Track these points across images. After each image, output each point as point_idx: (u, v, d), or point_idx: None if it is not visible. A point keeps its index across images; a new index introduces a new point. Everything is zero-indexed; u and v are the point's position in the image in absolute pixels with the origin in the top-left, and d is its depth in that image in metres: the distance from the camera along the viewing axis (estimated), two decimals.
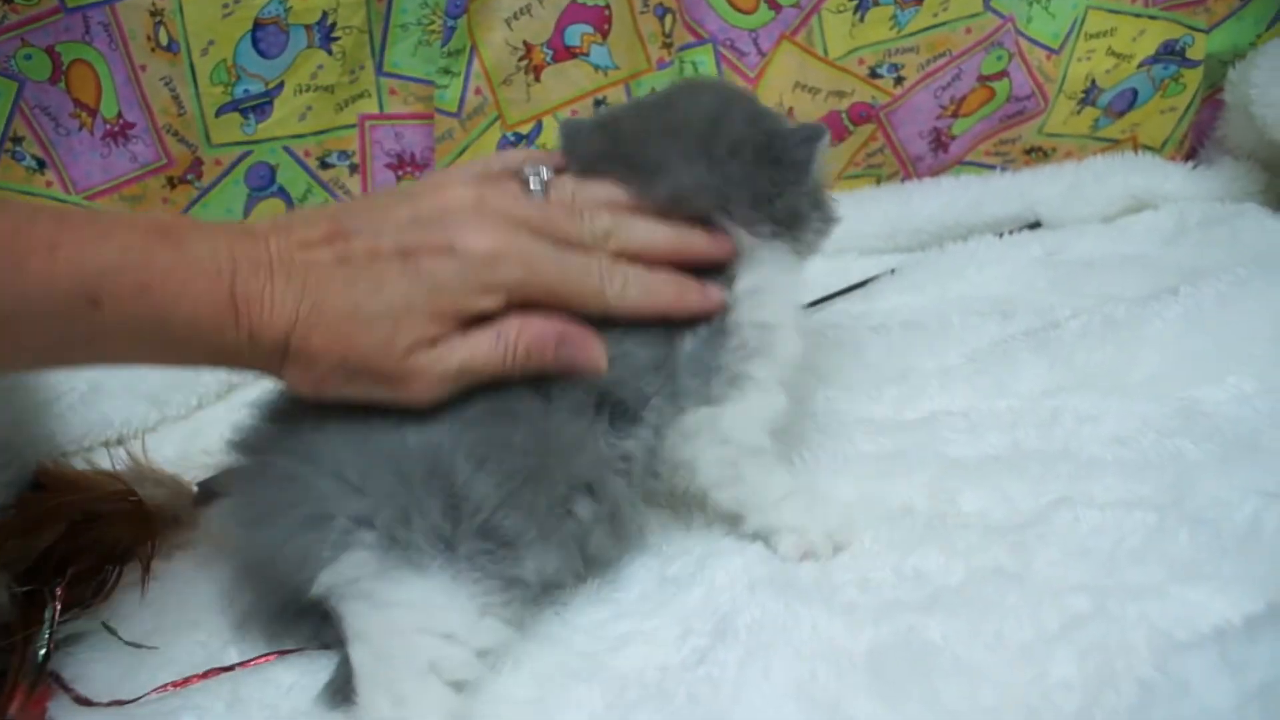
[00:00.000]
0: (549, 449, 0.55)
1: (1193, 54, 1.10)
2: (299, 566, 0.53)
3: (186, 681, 0.57)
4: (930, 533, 0.63)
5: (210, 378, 0.92)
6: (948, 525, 0.64)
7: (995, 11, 1.06)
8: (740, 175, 0.62)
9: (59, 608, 0.57)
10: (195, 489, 0.72)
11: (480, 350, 0.54)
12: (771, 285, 0.62)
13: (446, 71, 0.99)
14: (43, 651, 0.55)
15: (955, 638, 0.55)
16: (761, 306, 0.61)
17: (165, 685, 0.56)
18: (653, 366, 0.58)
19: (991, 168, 1.14)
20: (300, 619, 0.57)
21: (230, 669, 0.57)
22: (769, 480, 0.61)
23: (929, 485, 0.69)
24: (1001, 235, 1.07)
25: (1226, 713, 0.43)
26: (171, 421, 0.91)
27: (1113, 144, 1.15)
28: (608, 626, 0.59)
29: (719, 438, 0.58)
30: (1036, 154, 1.15)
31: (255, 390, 0.92)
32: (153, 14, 0.92)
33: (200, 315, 0.49)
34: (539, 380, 0.55)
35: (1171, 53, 1.10)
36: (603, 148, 0.62)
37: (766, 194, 0.63)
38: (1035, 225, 1.10)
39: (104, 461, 0.74)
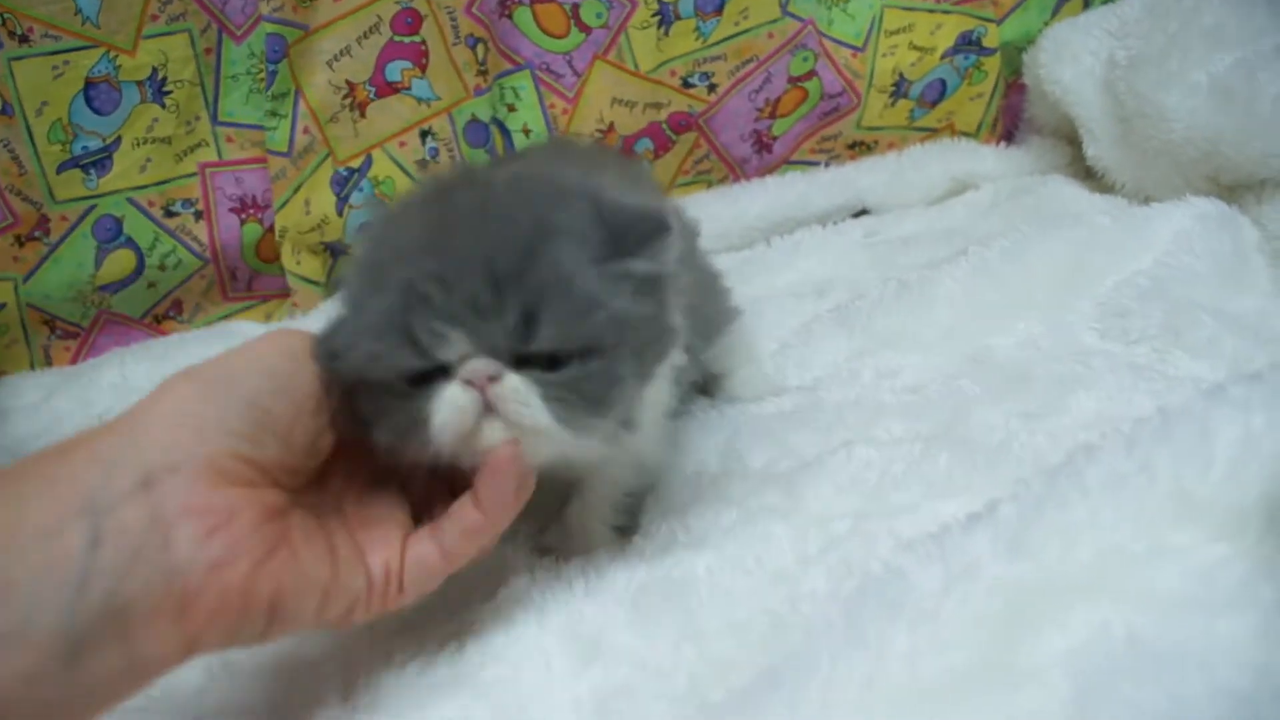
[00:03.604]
0: None
1: (988, 42, 1.17)
2: None
3: None
4: (712, 489, 0.67)
5: (71, 427, 0.91)
6: (730, 478, 0.68)
7: (794, 16, 1.11)
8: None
9: None
10: None
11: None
12: None
13: (274, 114, 1.03)
14: None
15: (718, 569, 0.58)
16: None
17: None
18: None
19: (818, 164, 1.19)
20: None
21: None
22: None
23: (722, 445, 0.72)
24: (826, 225, 1.12)
25: (933, 593, 0.46)
26: None
27: (932, 133, 1.21)
28: None
29: None
30: (860, 148, 1.20)
31: None
32: None
33: None
34: None
35: (969, 43, 1.17)
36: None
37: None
38: (863, 213, 1.15)
39: None
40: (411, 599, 0.50)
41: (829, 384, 0.80)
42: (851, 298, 0.90)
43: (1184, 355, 0.75)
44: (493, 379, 0.47)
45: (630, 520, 0.66)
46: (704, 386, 0.81)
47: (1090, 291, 0.83)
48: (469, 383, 0.47)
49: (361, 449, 0.51)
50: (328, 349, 0.49)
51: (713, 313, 0.76)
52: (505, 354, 0.47)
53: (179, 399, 0.44)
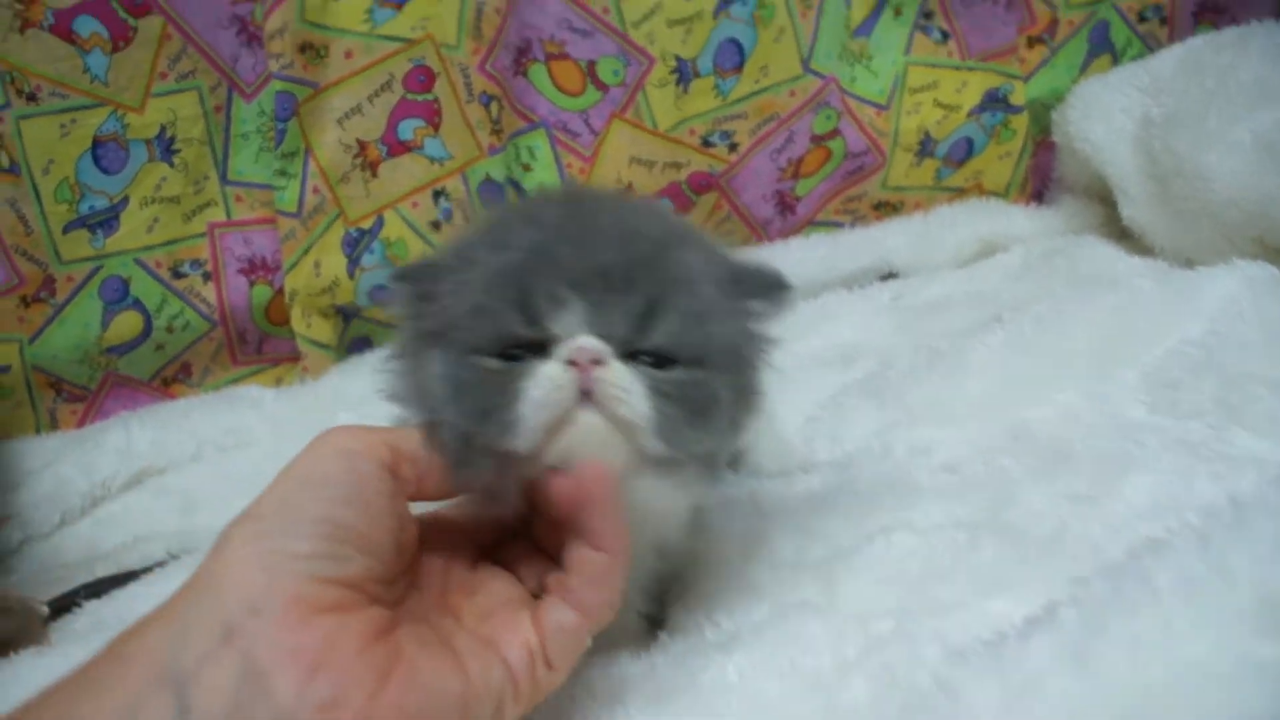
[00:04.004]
0: None
1: (1015, 100, 1.15)
2: None
3: None
4: (738, 577, 0.63)
5: (73, 494, 0.91)
6: (758, 567, 0.64)
7: (815, 73, 1.10)
8: None
9: None
10: (45, 609, 0.71)
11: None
12: None
13: (283, 174, 1.01)
14: None
15: (750, 672, 0.54)
16: None
17: None
18: None
19: (842, 225, 1.17)
20: None
21: None
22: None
23: (749, 532, 0.68)
24: (852, 288, 1.09)
25: (990, 712, 0.42)
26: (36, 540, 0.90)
27: (959, 192, 1.19)
28: None
29: None
30: (886, 208, 1.18)
31: (119, 504, 0.95)
32: None
33: None
34: None
35: (996, 100, 1.15)
36: None
37: None
38: (890, 276, 1.12)
39: None
40: (564, 673, 0.46)
41: (860, 460, 0.76)
42: (881, 367, 0.87)
43: (1242, 432, 0.70)
44: (597, 362, 0.44)
45: (659, 609, 0.62)
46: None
47: (1134, 361, 0.78)
48: (571, 363, 0.44)
49: (446, 533, 0.48)
50: (416, 285, 0.47)
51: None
52: (617, 341, 0.45)
53: (243, 541, 0.41)
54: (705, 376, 0.46)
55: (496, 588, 0.48)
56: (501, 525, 0.49)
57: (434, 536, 0.48)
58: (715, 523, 0.70)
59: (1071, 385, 0.78)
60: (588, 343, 0.44)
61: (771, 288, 0.50)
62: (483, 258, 0.46)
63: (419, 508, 0.48)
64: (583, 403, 0.44)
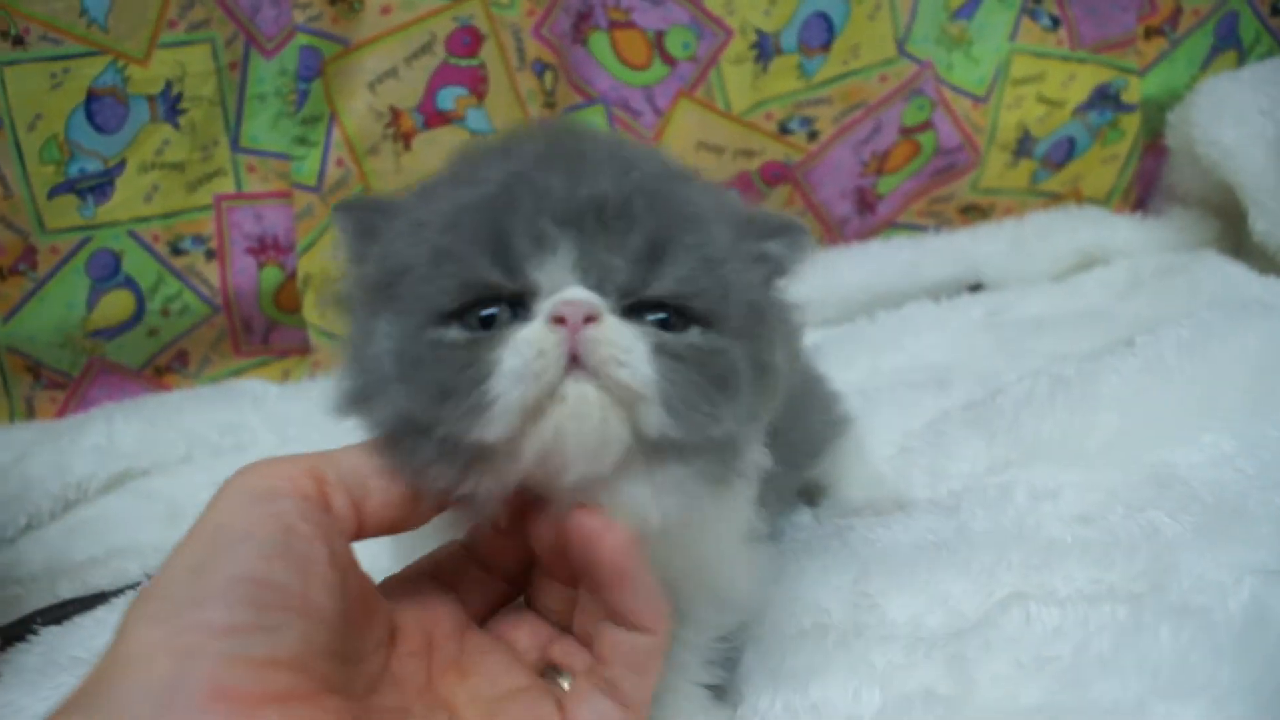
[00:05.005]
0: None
1: (1128, 97, 1.07)
2: None
3: None
4: (842, 651, 0.52)
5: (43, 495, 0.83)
6: (867, 639, 0.53)
7: (911, 57, 1.02)
8: None
9: None
10: None
11: None
12: None
13: (303, 141, 0.94)
14: None
15: None
16: None
17: None
18: None
19: (925, 229, 1.09)
20: None
21: None
22: None
23: (848, 588, 0.58)
24: (939, 300, 1.01)
25: None
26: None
27: (1054, 198, 1.11)
28: None
29: None
30: (974, 212, 1.10)
31: (95, 509, 0.86)
32: None
33: None
34: None
35: (1105, 98, 1.07)
36: None
37: None
38: (977, 288, 1.04)
39: None
40: None
41: (970, 503, 0.66)
42: (986, 392, 0.79)
43: None
44: (590, 319, 0.36)
45: (726, 678, 0.51)
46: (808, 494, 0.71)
47: None
48: (558, 321, 0.36)
49: (422, 596, 0.40)
50: (360, 220, 0.40)
51: (819, 424, 0.67)
52: (614, 292, 0.37)
53: (146, 623, 0.32)
54: (721, 340, 0.38)
55: (495, 666, 0.40)
56: (491, 581, 0.42)
57: (407, 603, 0.40)
58: (803, 572, 0.61)
59: (1220, 424, 0.69)
60: (578, 294, 0.36)
61: (789, 228, 0.43)
62: (446, 193, 0.39)
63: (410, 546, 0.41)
64: (572, 371, 0.36)
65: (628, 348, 0.36)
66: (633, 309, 0.37)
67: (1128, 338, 0.77)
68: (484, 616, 0.42)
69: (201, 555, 0.34)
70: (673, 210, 0.38)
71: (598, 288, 0.37)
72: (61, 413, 0.98)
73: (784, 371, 0.42)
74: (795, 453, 0.54)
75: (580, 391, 0.35)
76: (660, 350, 0.36)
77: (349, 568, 0.36)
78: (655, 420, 0.36)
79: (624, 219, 0.37)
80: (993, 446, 0.73)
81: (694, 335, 0.37)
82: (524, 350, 0.35)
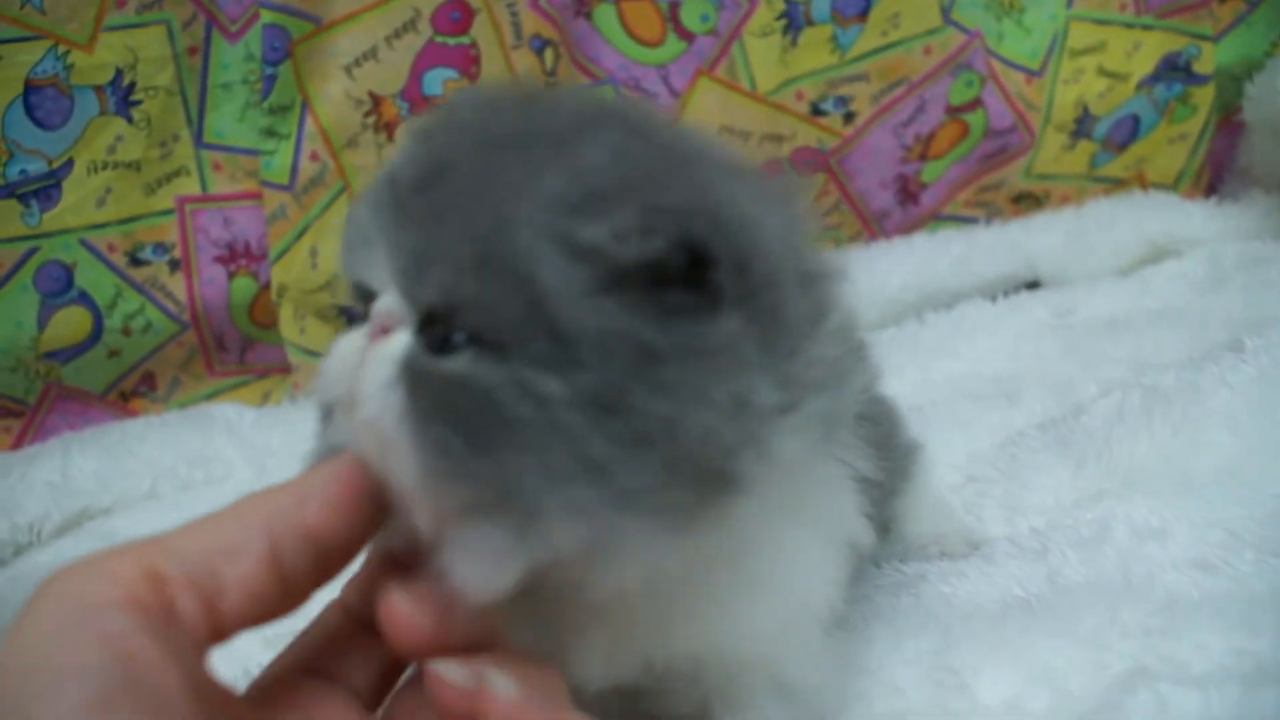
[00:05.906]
0: None
1: (1200, 68, 1.01)
2: None
3: None
4: None
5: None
6: None
7: (958, 25, 0.96)
8: None
9: None
10: None
11: None
12: None
13: (271, 134, 0.89)
14: None
15: None
16: None
17: None
18: None
19: (974, 220, 1.05)
20: None
21: None
22: None
23: (927, 660, 0.49)
24: (995, 299, 0.96)
25: None
26: None
27: (1116, 184, 1.06)
28: None
29: None
30: (1027, 200, 1.06)
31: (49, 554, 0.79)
32: None
33: None
34: None
35: (1175, 68, 1.01)
36: None
37: None
38: (1034, 285, 0.99)
39: None
40: None
41: (1060, 544, 0.58)
42: (1065, 409, 0.72)
43: None
44: (387, 330, 0.33)
45: None
46: None
47: None
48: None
49: (318, 710, 0.33)
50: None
51: (898, 457, 0.60)
52: (414, 299, 0.33)
53: None
54: (500, 370, 0.31)
55: None
56: (379, 646, 0.34)
57: (284, 715, 0.33)
58: (874, 640, 0.52)
59: None
60: (384, 302, 0.34)
61: (618, 201, 0.32)
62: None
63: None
64: None
65: (382, 369, 0.32)
66: (430, 321, 0.32)
67: (1228, 341, 0.70)
68: (381, 693, 0.35)
69: (10, 705, 0.27)
70: (459, 188, 0.33)
71: (409, 292, 0.33)
72: (18, 444, 0.93)
73: (706, 428, 0.31)
74: (880, 495, 0.47)
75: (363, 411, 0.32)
76: (411, 378, 0.31)
77: (208, 692, 0.30)
78: (400, 469, 0.31)
79: (418, 205, 0.33)
80: (1080, 475, 0.66)
81: (461, 361, 0.31)
82: (333, 358, 0.35)
